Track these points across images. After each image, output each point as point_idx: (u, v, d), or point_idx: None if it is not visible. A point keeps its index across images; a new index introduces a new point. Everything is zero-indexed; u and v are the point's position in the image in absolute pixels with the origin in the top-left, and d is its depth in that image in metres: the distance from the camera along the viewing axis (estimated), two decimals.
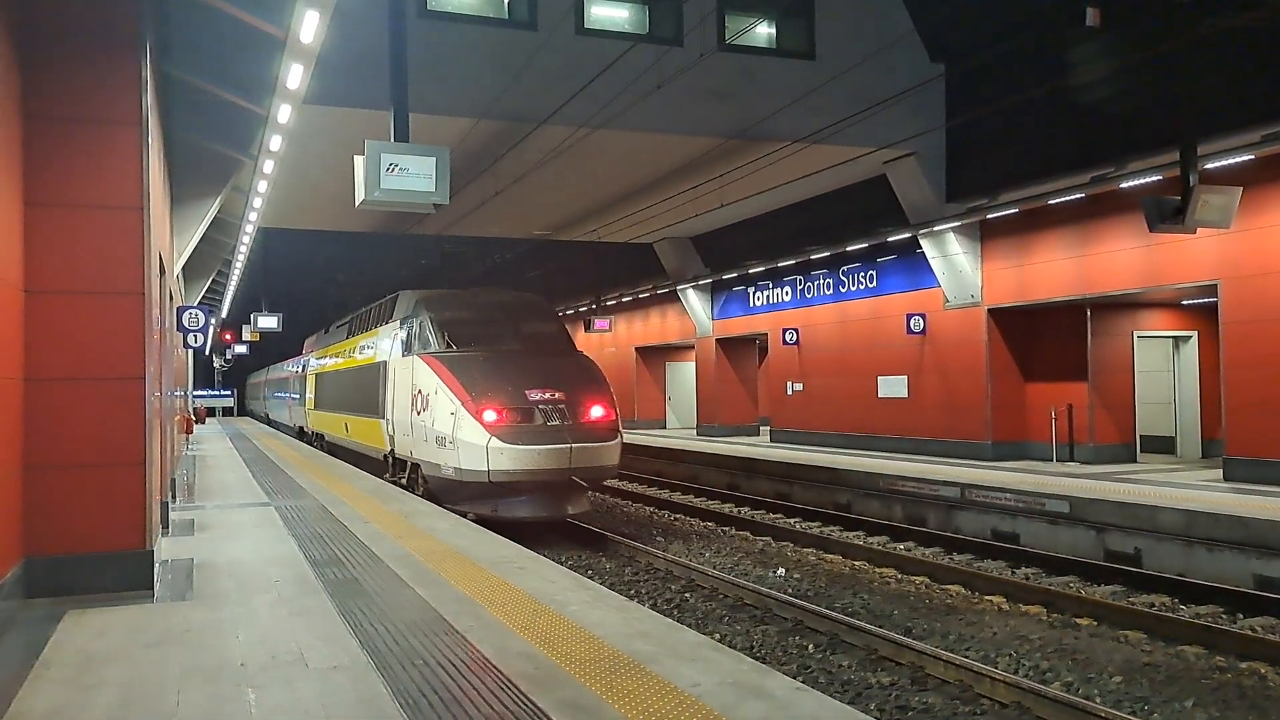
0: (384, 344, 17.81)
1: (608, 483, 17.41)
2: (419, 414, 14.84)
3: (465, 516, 12.21)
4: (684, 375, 32.36)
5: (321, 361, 26.55)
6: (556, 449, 13.32)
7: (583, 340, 35.85)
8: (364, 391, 19.28)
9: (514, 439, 13.21)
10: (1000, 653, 8.40)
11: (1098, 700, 7.08)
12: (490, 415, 13.32)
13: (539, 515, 13.81)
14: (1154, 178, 14.15)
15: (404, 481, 16.14)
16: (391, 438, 16.84)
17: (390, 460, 17.23)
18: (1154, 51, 13.87)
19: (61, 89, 7.15)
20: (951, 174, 18.48)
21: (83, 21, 7.24)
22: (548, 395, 13.77)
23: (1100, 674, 7.83)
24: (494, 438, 13.15)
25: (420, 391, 14.79)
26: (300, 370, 31.55)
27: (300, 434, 30.66)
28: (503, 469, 13.15)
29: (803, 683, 5.51)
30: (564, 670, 5.29)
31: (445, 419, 13.78)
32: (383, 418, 17.32)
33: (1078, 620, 9.57)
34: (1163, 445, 18.30)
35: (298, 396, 31.55)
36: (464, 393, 13.62)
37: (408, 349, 15.84)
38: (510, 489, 13.47)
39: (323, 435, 25.90)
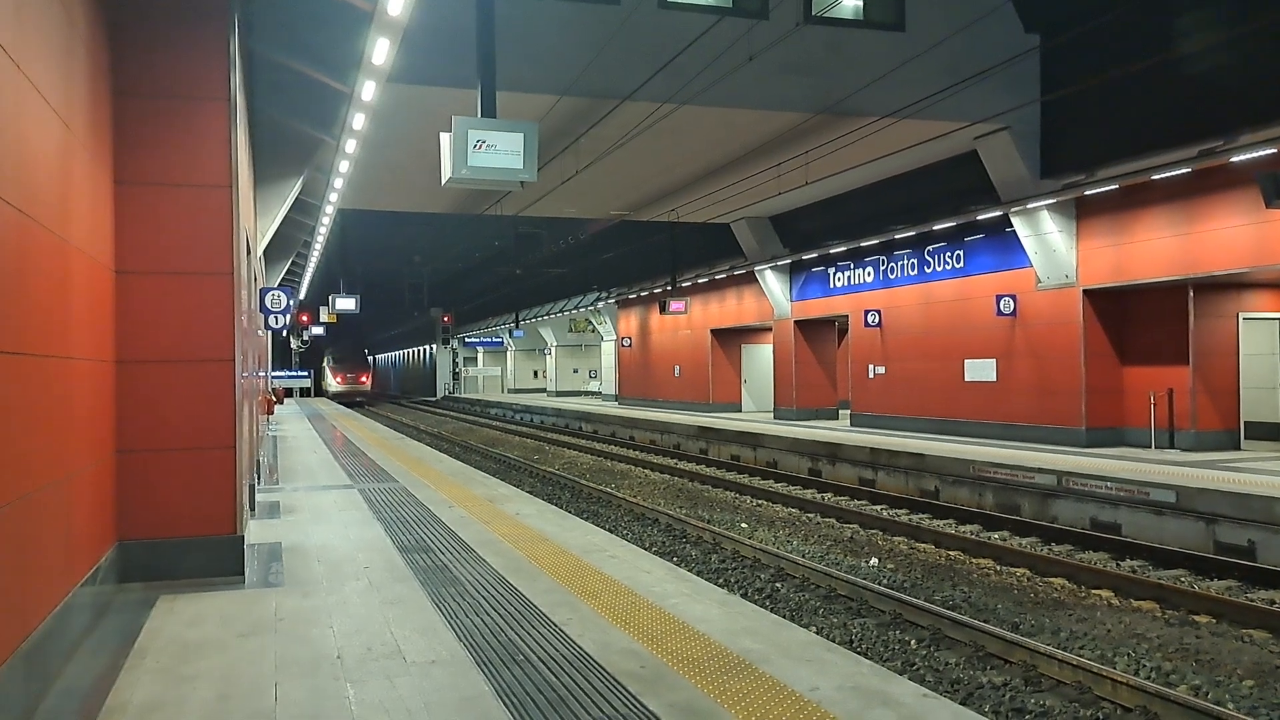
0: (327, 361, 69.72)
1: (686, 468, 21.69)
2: (327, 379, 68.55)
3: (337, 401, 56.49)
4: (760, 358, 31.92)
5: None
6: (349, 387, 66.45)
7: (657, 322, 35.72)
8: (323, 375, 70.61)
9: (341, 384, 66.52)
10: (1117, 652, 7.95)
11: (1230, 707, 6.63)
12: (337, 379, 66.93)
13: (347, 399, 62.94)
14: (1268, 151, 13.40)
15: (327, 394, 66.68)
16: (326, 384, 68.71)
17: (327, 391, 67.38)
18: (1269, 19, 13.15)
19: (150, 64, 7.02)
20: (1046, 149, 17.79)
21: None
22: (349, 375, 67.34)
23: (1229, 677, 7.36)
24: (336, 384, 66.57)
25: (329, 374, 68.21)
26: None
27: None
28: (338, 391, 65.64)
29: (928, 688, 5.17)
30: (672, 670, 5.02)
31: (331, 379, 67.41)
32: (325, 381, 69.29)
33: (1195, 617, 9.07)
34: (1268, 432, 17.45)
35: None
36: (334, 373, 67.55)
37: (326, 362, 69.31)
38: (341, 396, 64.21)
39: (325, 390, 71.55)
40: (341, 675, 4.99)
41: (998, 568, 11.33)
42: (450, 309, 68.70)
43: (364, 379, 67.53)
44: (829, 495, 17.13)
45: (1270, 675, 7.41)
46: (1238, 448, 16.87)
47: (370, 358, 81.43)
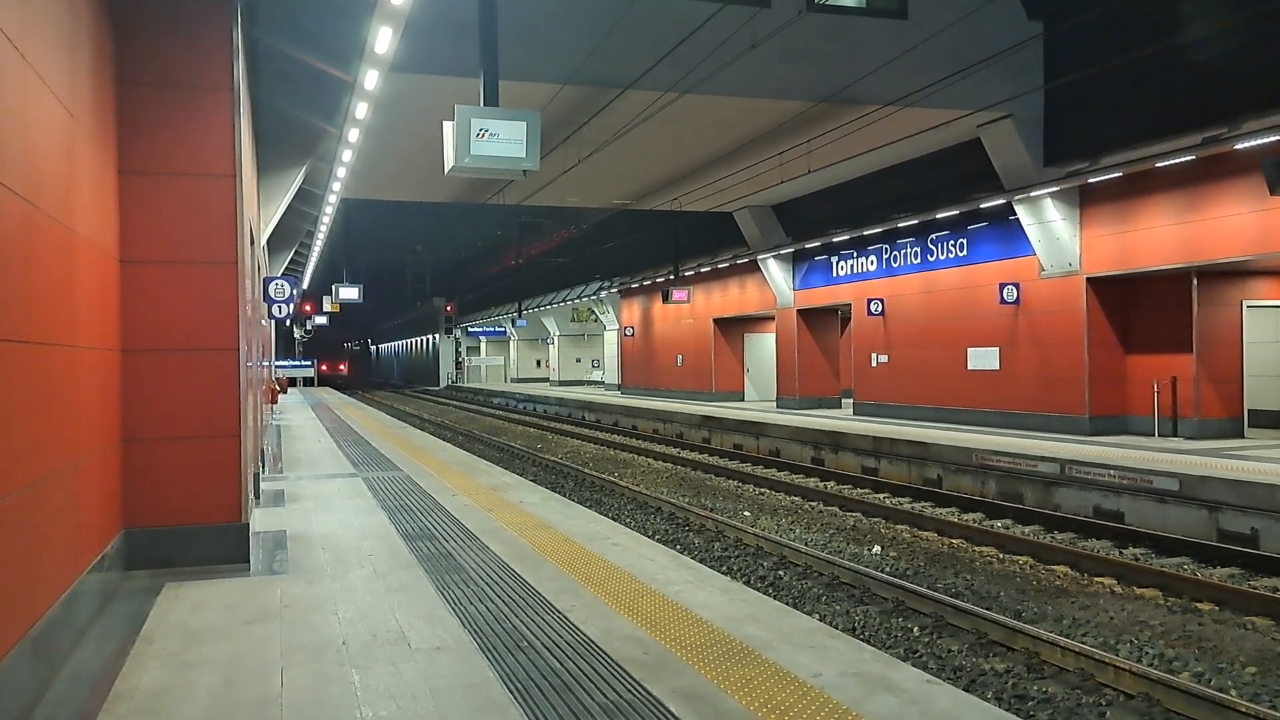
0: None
1: (689, 457, 21.70)
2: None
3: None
4: (763, 347, 31.91)
5: None
6: (331, 372, 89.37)
7: (660, 311, 35.72)
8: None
9: (326, 371, 78.66)
10: (1120, 639, 7.97)
11: (1233, 693, 6.64)
12: (323, 367, 67.41)
13: (330, 381, 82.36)
14: (1273, 138, 13.37)
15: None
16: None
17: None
18: (1275, 4, 13.10)
19: (154, 54, 7.03)
20: (1050, 137, 17.76)
21: None
22: (331, 364, 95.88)
23: (1231, 664, 7.37)
24: (322, 370, 64.95)
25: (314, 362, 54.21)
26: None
27: None
28: (322, 375, 66.39)
29: (930, 674, 5.19)
30: (676, 656, 5.05)
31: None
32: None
33: (1198, 605, 9.09)
34: (1271, 420, 17.44)
35: None
36: (319, 362, 55.90)
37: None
38: (324, 379, 68.93)
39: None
40: (347, 661, 5.01)
41: (1000, 555, 11.35)
42: (453, 298, 68.76)
43: (341, 366, 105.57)
44: (832, 484, 17.16)
45: (1272, 662, 7.43)
46: (1241, 436, 16.87)
47: (373, 349, 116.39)
